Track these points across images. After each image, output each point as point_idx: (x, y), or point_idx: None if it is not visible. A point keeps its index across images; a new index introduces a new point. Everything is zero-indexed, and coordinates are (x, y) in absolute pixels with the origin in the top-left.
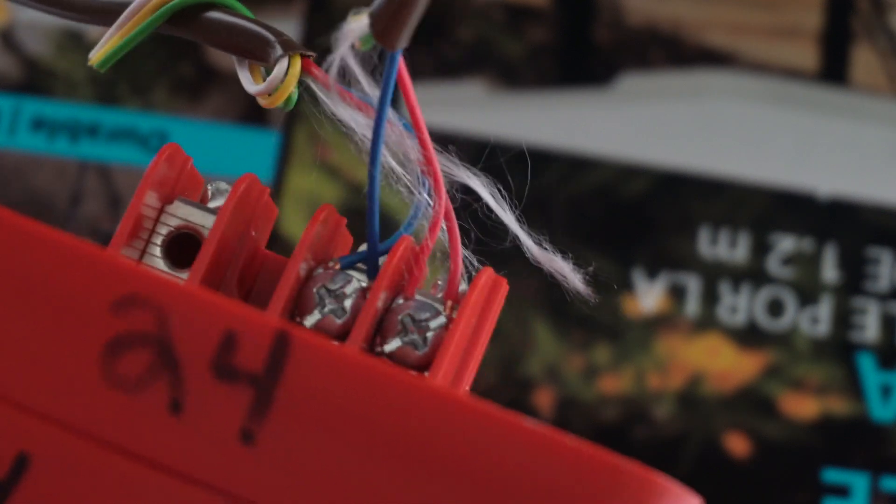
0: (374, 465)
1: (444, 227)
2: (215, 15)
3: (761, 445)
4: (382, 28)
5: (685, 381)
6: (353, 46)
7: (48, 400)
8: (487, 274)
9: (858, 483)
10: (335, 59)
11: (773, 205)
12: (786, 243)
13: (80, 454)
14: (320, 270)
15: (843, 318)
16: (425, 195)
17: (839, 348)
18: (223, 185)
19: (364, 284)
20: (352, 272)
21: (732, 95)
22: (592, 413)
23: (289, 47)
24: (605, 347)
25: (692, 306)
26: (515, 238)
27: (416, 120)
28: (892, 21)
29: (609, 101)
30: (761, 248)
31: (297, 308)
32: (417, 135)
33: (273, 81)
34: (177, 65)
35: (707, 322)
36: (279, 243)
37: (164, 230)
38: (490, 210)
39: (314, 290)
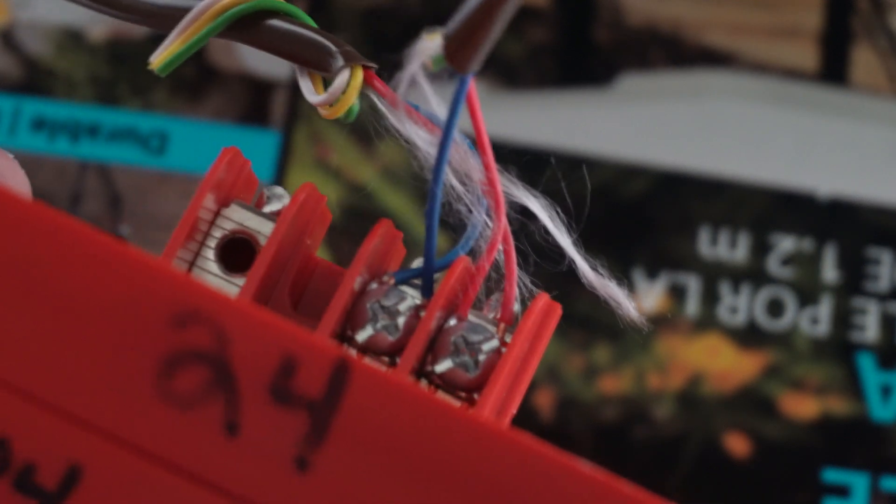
0: (427, 500)
1: (501, 249)
2: (277, 23)
3: (761, 445)
4: (455, 51)
5: (685, 381)
6: (423, 65)
7: (102, 413)
8: (544, 300)
9: (858, 483)
10: (405, 76)
11: (773, 205)
12: (786, 243)
13: (132, 469)
14: (374, 285)
15: (843, 318)
16: (483, 215)
17: (839, 348)
18: (278, 190)
19: (418, 302)
20: (405, 288)
21: (732, 95)
22: (592, 413)
23: (351, 58)
24: (605, 347)
25: (692, 306)
26: (571, 262)
27: (481, 142)
28: (892, 21)
29: (609, 101)
30: (761, 248)
31: (350, 322)
32: (482, 157)
33: (334, 92)
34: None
35: (707, 322)
36: None
37: (218, 233)
38: (547, 232)
39: (368, 305)
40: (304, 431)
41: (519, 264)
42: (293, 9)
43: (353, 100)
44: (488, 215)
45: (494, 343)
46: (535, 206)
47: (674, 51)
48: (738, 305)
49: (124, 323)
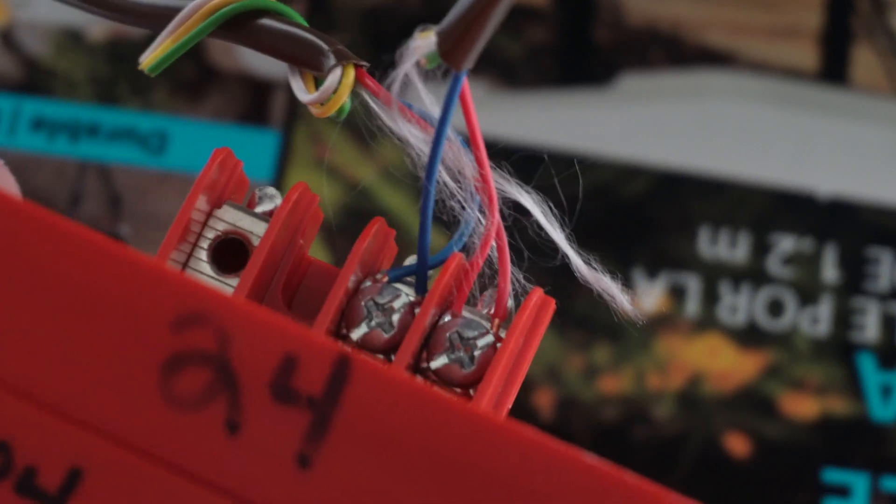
0: (430, 495)
1: (494, 245)
2: (268, 22)
3: (761, 445)
4: (450, 48)
5: (685, 381)
6: (417, 63)
7: (105, 415)
8: (538, 295)
9: (858, 483)
10: (398, 75)
11: (773, 205)
12: (786, 243)
13: (134, 471)
14: (368, 283)
15: (843, 318)
16: (476, 212)
17: (839, 348)
18: (270, 190)
19: (412, 299)
20: (399, 286)
21: (732, 95)
22: (592, 413)
23: (342, 57)
24: (605, 347)
25: (692, 306)
26: (564, 256)
27: (474, 139)
28: (892, 21)
29: (609, 101)
30: (761, 248)
31: (345, 320)
32: (475, 154)
33: (326, 91)
34: (177, 65)
35: (707, 322)
36: None
37: (211, 234)
38: (540, 227)
39: (362, 303)
40: (305, 428)
41: (512, 260)
42: (285, 8)
43: (344, 98)
44: (481, 212)
45: (489, 339)
46: (528, 202)
47: (674, 51)
48: (738, 305)
49: (127, 325)
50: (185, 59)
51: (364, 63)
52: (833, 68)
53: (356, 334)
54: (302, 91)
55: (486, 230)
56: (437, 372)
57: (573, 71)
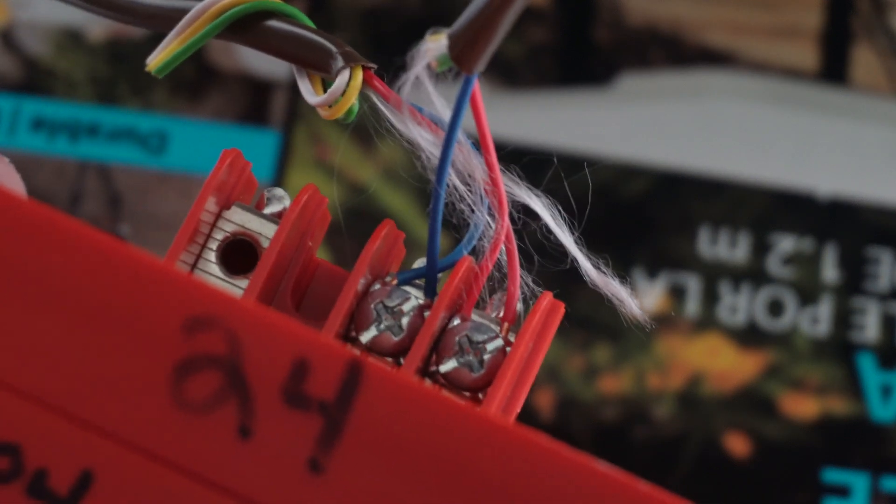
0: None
1: (503, 248)
2: (276, 24)
3: (761, 445)
4: (461, 50)
5: (685, 381)
6: (428, 66)
7: (115, 418)
8: (548, 299)
9: (858, 483)
10: (409, 78)
11: (773, 205)
12: (786, 243)
13: (146, 474)
14: (377, 286)
15: (843, 318)
16: (486, 215)
17: (839, 348)
18: (278, 192)
19: (421, 301)
20: (409, 288)
21: (732, 95)
22: (592, 413)
23: (350, 59)
24: (605, 347)
25: (692, 306)
26: (574, 260)
27: (485, 142)
28: (892, 21)
29: (609, 101)
30: (761, 248)
31: (354, 323)
32: (486, 157)
33: (334, 93)
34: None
35: (707, 322)
36: None
37: (220, 235)
38: (548, 230)
39: (372, 305)
40: (317, 433)
41: (521, 264)
42: (292, 9)
43: (352, 100)
44: (491, 215)
45: (499, 342)
46: (537, 206)
47: (674, 51)
48: (738, 305)
49: (138, 328)
50: (185, 59)
51: (372, 65)
52: (833, 68)
53: (365, 337)
54: (310, 93)
55: (495, 233)
56: (446, 376)
57: (573, 71)
